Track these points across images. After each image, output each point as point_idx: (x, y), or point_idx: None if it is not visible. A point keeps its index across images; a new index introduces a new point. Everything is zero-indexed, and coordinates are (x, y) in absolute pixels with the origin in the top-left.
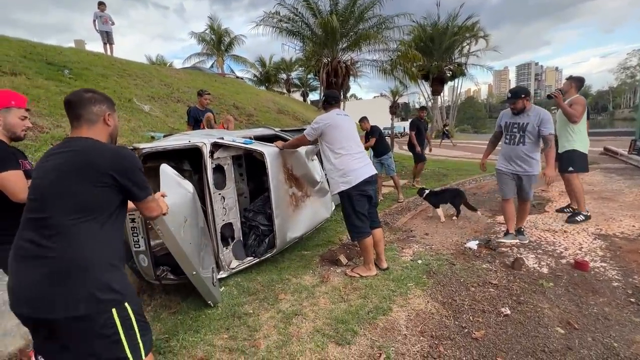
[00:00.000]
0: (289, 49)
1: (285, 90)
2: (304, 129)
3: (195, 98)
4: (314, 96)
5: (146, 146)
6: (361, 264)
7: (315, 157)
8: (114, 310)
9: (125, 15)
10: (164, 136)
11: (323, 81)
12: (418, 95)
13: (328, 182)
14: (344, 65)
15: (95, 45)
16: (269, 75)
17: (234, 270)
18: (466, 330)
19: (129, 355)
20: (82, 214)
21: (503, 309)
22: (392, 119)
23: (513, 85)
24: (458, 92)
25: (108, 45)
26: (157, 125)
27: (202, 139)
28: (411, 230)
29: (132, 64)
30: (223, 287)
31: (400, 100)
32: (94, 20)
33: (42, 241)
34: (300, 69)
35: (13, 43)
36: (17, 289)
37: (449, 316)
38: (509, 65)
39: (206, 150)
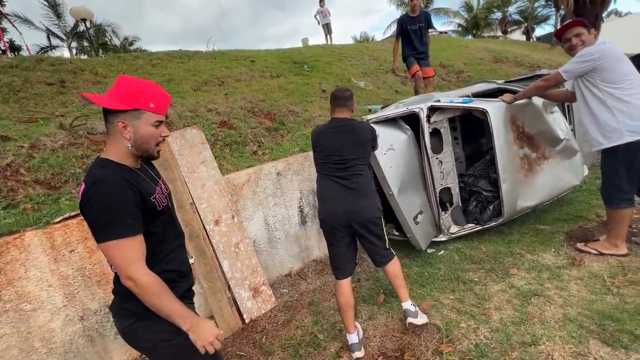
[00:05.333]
0: None
1: (500, 33)
2: (540, 75)
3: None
4: (542, 30)
5: (370, 117)
6: (603, 238)
7: (557, 108)
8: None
9: (331, 4)
10: (381, 108)
11: (569, 3)
12: None
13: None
14: None
15: (316, 39)
16: (477, 20)
17: (453, 235)
18: None
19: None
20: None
21: None
22: None
23: None
24: None
25: (328, 35)
26: (372, 98)
27: (418, 104)
28: None
29: (346, 47)
30: (442, 251)
31: None
32: (316, 16)
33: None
34: None
35: (274, 53)
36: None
37: None
38: None
39: (423, 115)
